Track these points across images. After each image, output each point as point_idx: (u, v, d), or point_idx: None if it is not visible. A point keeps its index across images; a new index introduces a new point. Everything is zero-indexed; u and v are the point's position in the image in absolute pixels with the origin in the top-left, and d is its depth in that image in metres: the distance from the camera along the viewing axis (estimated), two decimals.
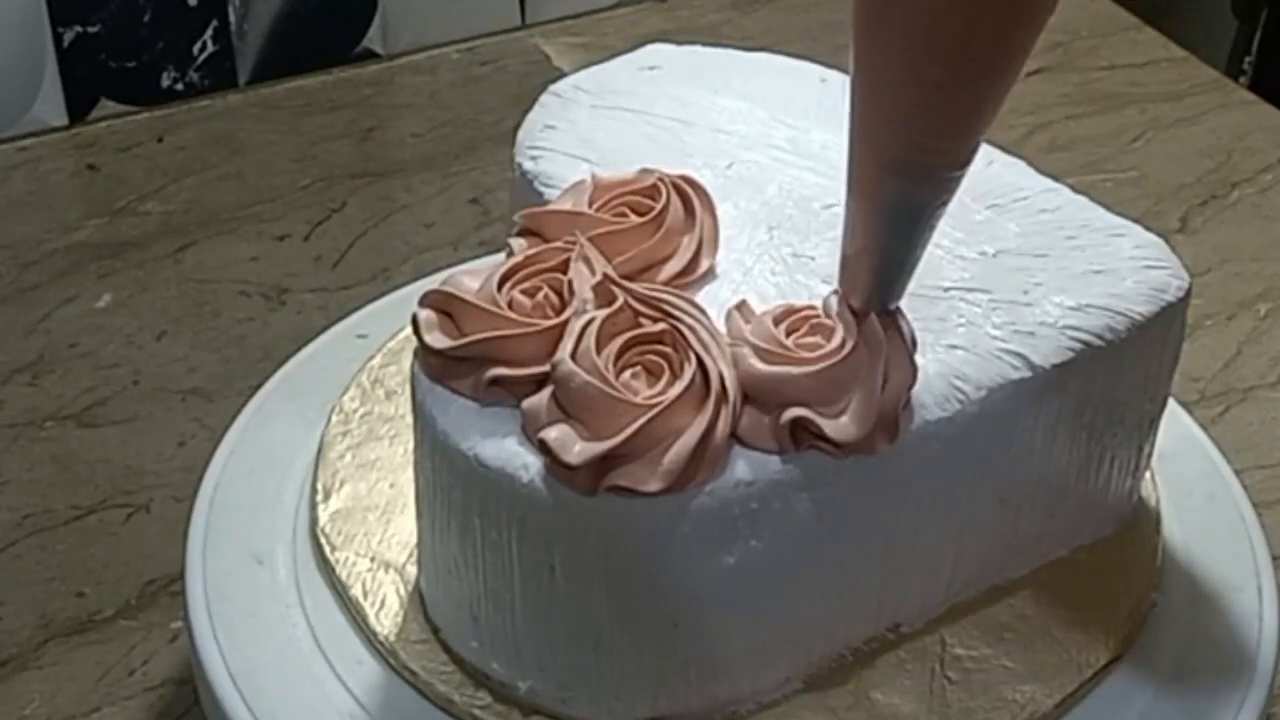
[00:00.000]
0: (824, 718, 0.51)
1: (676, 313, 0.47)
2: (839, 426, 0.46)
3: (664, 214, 0.52)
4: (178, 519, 0.59)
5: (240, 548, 0.57)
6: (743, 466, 0.46)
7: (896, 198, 0.46)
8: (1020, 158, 0.60)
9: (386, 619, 0.53)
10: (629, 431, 0.45)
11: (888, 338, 0.47)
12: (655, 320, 0.47)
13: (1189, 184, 0.91)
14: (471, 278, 0.50)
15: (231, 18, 0.93)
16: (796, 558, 0.48)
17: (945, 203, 0.46)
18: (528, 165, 0.58)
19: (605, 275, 0.48)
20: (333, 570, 0.55)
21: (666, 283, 0.51)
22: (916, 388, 0.48)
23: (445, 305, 0.49)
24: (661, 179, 0.53)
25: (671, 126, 0.60)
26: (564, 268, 0.49)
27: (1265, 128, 0.96)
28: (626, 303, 0.48)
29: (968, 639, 0.53)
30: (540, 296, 0.49)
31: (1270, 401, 0.76)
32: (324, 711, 0.52)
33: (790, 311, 0.49)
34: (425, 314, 0.49)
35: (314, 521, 0.56)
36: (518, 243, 0.51)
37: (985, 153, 0.57)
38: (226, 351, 0.76)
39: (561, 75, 0.64)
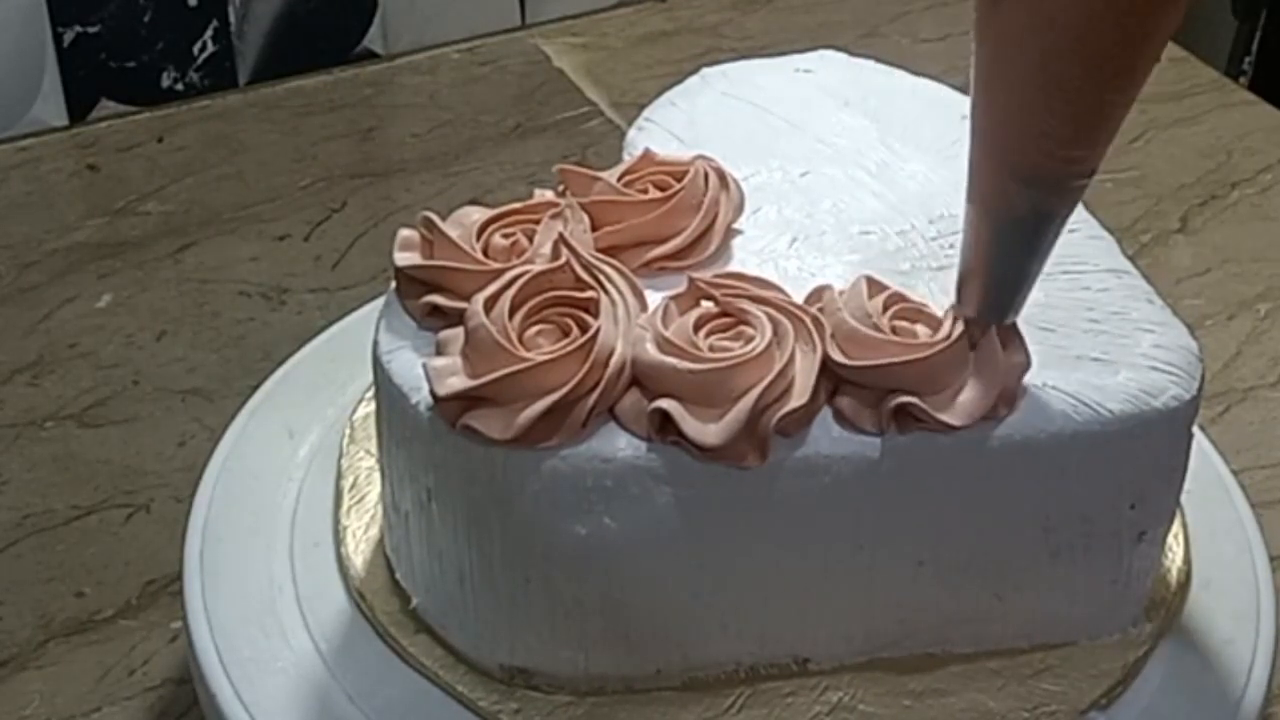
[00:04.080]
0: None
1: (610, 285, 0.49)
2: (701, 429, 0.46)
3: (672, 198, 0.53)
4: (178, 519, 0.59)
5: (239, 548, 0.57)
6: (605, 442, 0.47)
7: (1025, 208, 0.45)
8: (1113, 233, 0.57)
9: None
10: (491, 376, 0.46)
11: (800, 366, 0.47)
12: (587, 287, 0.49)
13: (1189, 184, 0.91)
14: (480, 213, 0.52)
15: (231, 18, 0.93)
16: (657, 550, 0.48)
17: (1070, 213, 0.46)
18: (631, 133, 0.62)
19: (561, 235, 0.50)
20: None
21: (651, 261, 0.52)
22: (816, 423, 0.48)
23: (428, 229, 0.51)
24: (702, 167, 0.54)
25: (779, 127, 0.61)
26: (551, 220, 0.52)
27: (1265, 128, 0.96)
28: (569, 264, 0.49)
29: (866, 694, 0.52)
30: (511, 243, 0.51)
31: (1270, 401, 0.76)
32: (322, 712, 0.52)
33: (721, 315, 0.49)
34: (408, 233, 0.52)
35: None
36: (541, 192, 0.54)
37: (1075, 221, 0.55)
38: (226, 351, 0.76)
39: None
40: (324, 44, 0.97)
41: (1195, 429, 0.51)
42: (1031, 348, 0.50)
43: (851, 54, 0.66)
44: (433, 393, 0.47)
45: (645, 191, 0.54)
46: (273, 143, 0.92)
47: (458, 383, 0.47)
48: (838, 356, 0.48)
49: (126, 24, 0.90)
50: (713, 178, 0.54)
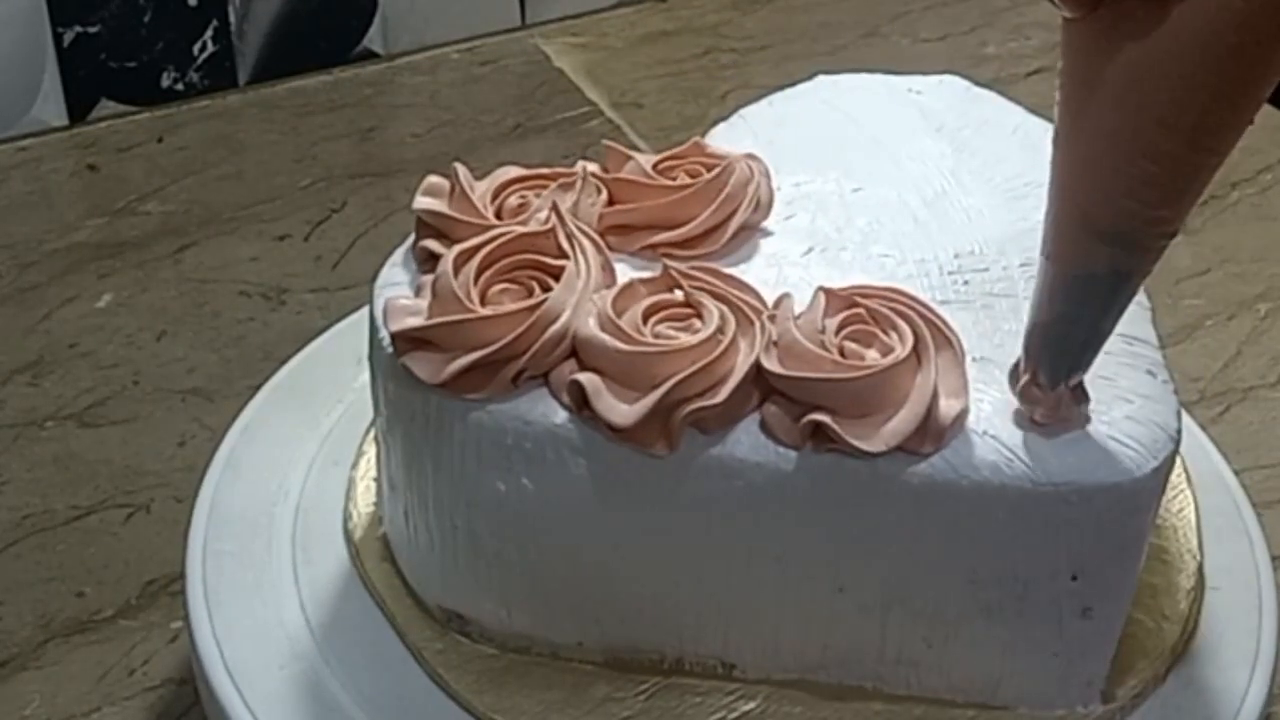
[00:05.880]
0: (572, 694, 0.51)
1: (582, 258, 0.50)
2: (613, 407, 0.46)
3: (688, 188, 0.53)
4: (178, 519, 0.59)
5: (240, 547, 0.57)
6: (531, 405, 0.48)
7: (1104, 267, 0.44)
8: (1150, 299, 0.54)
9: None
10: (435, 321, 0.48)
11: (736, 367, 0.47)
12: (563, 256, 0.50)
13: None
14: (511, 172, 0.55)
15: (231, 18, 0.93)
16: (570, 521, 0.49)
17: (1148, 272, 0.45)
18: (719, 126, 0.62)
19: (554, 203, 0.52)
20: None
21: (656, 244, 0.52)
22: (743, 425, 0.47)
23: (454, 179, 0.53)
24: (736, 164, 0.54)
25: (858, 141, 0.61)
26: (562, 189, 0.54)
27: (1265, 128, 0.95)
28: (553, 229, 0.50)
29: (778, 712, 0.51)
30: (521, 204, 0.53)
31: (1270, 401, 0.76)
32: (324, 710, 0.52)
33: (683, 305, 0.49)
34: (436, 180, 0.54)
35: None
36: (583, 164, 0.55)
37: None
38: (226, 351, 0.76)
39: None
40: (324, 44, 0.97)
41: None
42: (995, 396, 0.49)
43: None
44: (386, 326, 0.49)
45: (675, 178, 0.54)
46: (273, 143, 0.92)
47: (410, 321, 0.48)
48: (769, 364, 0.47)
49: (126, 24, 0.90)
50: (740, 175, 0.54)
